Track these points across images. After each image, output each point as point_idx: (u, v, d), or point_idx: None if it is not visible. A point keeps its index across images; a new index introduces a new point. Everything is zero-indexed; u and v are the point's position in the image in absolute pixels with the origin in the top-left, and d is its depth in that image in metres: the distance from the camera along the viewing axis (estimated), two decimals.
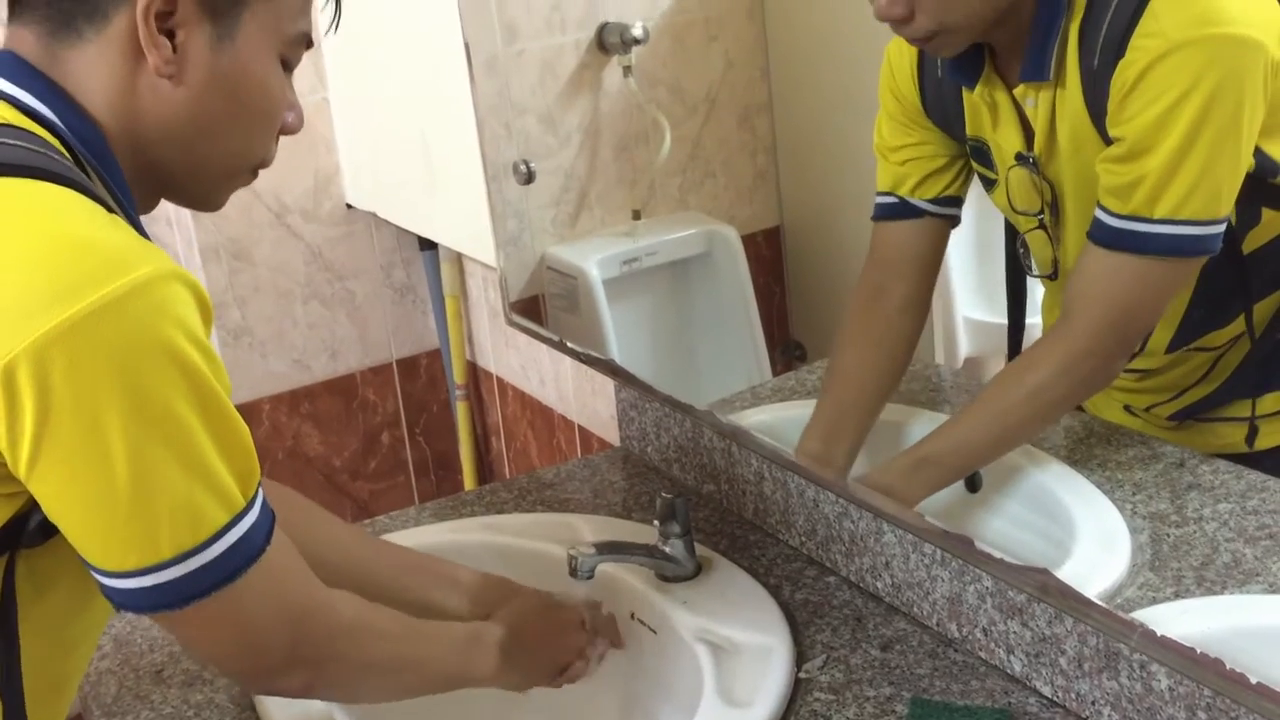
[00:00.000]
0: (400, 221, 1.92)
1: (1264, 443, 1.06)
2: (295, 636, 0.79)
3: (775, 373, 1.49)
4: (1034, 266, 1.11)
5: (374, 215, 1.96)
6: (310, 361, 1.99)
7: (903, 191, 1.13)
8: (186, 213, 1.82)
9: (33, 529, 0.72)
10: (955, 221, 1.14)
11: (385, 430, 2.08)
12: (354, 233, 1.98)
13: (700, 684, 1.02)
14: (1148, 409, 1.13)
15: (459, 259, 1.97)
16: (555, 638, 1.03)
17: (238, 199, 1.77)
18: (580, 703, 1.11)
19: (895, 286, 1.15)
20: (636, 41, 1.42)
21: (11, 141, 0.72)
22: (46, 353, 0.65)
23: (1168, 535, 0.96)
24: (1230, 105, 0.89)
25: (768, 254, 1.51)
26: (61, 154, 0.74)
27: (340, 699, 0.95)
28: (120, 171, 0.78)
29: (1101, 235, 0.96)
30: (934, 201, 1.13)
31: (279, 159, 0.87)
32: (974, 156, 1.10)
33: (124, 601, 0.72)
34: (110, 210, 0.73)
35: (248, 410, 1.95)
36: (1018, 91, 1.01)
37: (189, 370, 0.69)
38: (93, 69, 0.76)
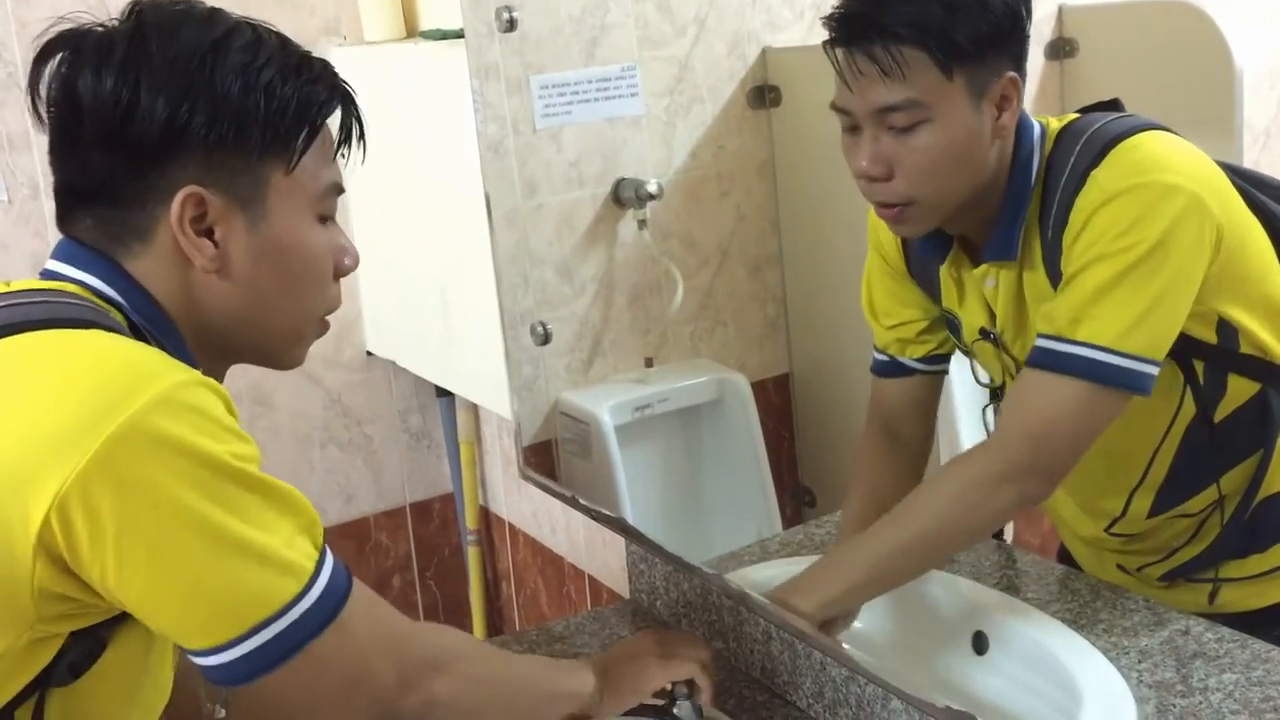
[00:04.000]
0: (418, 370, 1.96)
1: (1242, 605, 1.07)
2: (399, 658, 0.83)
3: (784, 518, 1.49)
4: None
5: (393, 363, 1.99)
6: (325, 505, 2.00)
7: (893, 351, 1.17)
8: None
9: (62, 669, 0.74)
10: (945, 373, 1.17)
11: (396, 574, 2.07)
12: (372, 379, 2.02)
13: None
14: (1139, 569, 1.13)
15: (474, 406, 1.99)
16: (641, 655, 1.05)
17: None
18: None
19: (898, 431, 1.17)
20: (651, 197, 1.48)
21: (53, 299, 0.79)
22: (89, 481, 0.69)
23: (1174, 705, 0.95)
24: (1159, 243, 0.93)
25: (777, 401, 1.53)
26: (114, 315, 0.79)
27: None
28: (182, 339, 0.82)
29: (1030, 357, 0.99)
30: (923, 360, 1.16)
31: None
32: (948, 326, 1.13)
33: (222, 677, 0.75)
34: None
35: None
36: (978, 272, 1.04)
37: (218, 467, 0.73)
38: (148, 274, 0.82)
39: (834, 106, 1.00)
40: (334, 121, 0.87)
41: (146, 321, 0.80)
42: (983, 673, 1.10)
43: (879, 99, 0.96)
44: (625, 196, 1.49)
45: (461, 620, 2.13)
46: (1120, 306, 0.93)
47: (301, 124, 0.83)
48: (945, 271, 1.08)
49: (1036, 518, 1.28)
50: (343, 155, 0.88)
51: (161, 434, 0.71)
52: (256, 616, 0.74)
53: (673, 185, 1.51)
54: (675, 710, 1.09)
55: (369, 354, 2.00)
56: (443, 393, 2.02)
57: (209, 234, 0.81)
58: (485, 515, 2.07)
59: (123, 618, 0.77)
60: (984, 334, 1.06)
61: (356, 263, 0.89)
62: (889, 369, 1.17)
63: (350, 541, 2.03)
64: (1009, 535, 1.32)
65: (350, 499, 2.02)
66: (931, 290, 1.12)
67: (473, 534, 2.06)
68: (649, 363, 1.53)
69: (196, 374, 0.75)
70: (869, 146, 0.98)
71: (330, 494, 2.00)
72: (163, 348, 0.79)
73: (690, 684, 1.08)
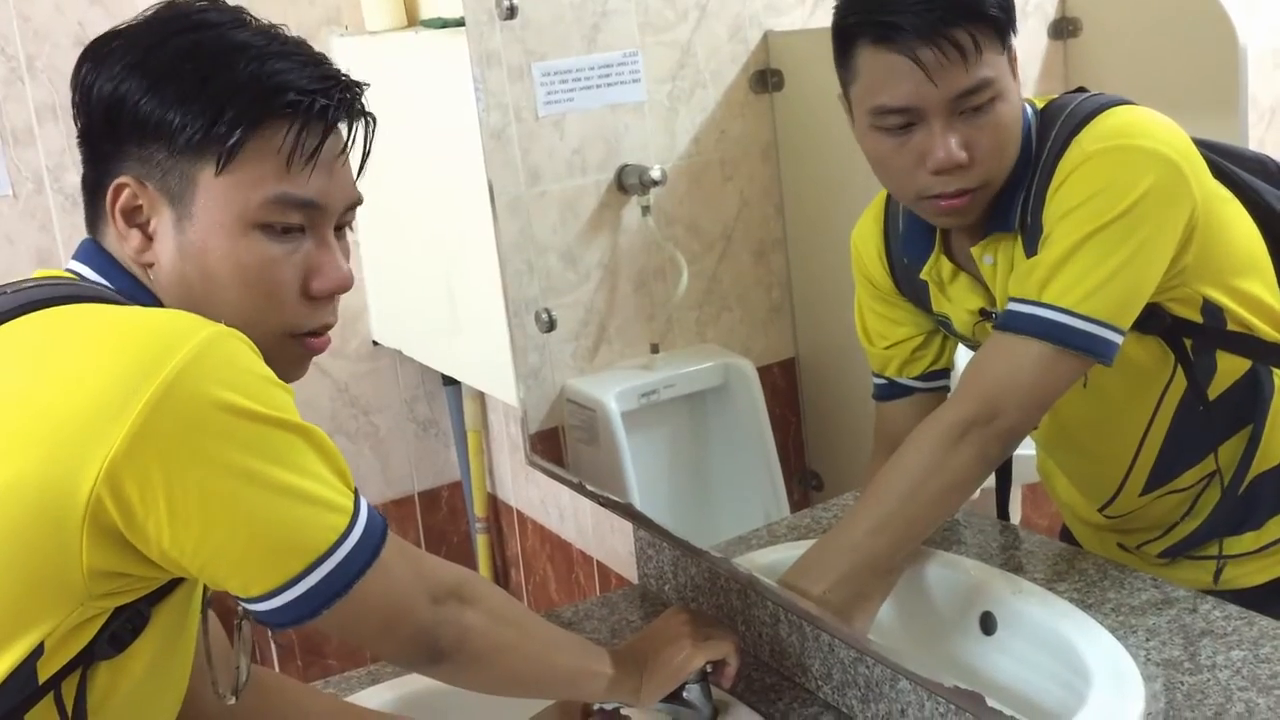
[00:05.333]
0: (423, 359, 1.96)
1: (1244, 581, 1.07)
2: (432, 590, 0.85)
3: (792, 502, 1.49)
4: None
5: (399, 352, 2.00)
6: None
7: (890, 373, 1.17)
8: None
9: (104, 641, 0.76)
10: (947, 389, 1.17)
11: None
12: (379, 369, 2.03)
13: None
14: (1139, 546, 1.13)
15: (481, 394, 2.00)
16: (678, 638, 1.05)
17: None
18: None
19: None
20: (655, 183, 1.47)
21: (58, 283, 0.81)
22: (134, 449, 0.70)
23: (1181, 684, 0.95)
24: (1132, 206, 0.92)
25: (783, 385, 1.53)
26: (110, 294, 0.81)
27: (480, 661, 0.91)
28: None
29: (997, 320, 0.99)
30: (921, 379, 1.16)
31: None
32: (943, 328, 1.13)
33: (278, 620, 0.77)
34: None
35: None
36: (975, 251, 1.04)
37: (256, 418, 0.74)
38: (119, 255, 0.83)
39: (887, 109, 0.96)
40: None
41: (132, 300, 0.81)
42: (991, 653, 1.10)
43: (960, 84, 0.93)
44: (629, 183, 1.49)
45: None
46: (1086, 269, 0.93)
47: (238, 122, 0.78)
48: (925, 274, 1.08)
49: (1044, 500, 1.29)
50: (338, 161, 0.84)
51: (198, 393, 0.72)
52: (311, 555, 0.76)
53: (676, 171, 1.51)
54: (685, 693, 1.10)
55: (375, 344, 2.01)
56: (449, 381, 2.03)
57: (146, 225, 0.81)
58: (493, 503, 2.08)
59: (164, 592, 0.79)
60: (985, 314, 1.06)
61: (337, 285, 0.84)
62: (888, 391, 1.17)
63: None
64: (1016, 517, 1.32)
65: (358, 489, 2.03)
66: (923, 301, 1.12)
67: (481, 522, 2.07)
68: (655, 349, 1.53)
69: (220, 326, 0.75)
70: (950, 135, 0.94)
71: None
72: None
73: (710, 665, 1.09)
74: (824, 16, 0.99)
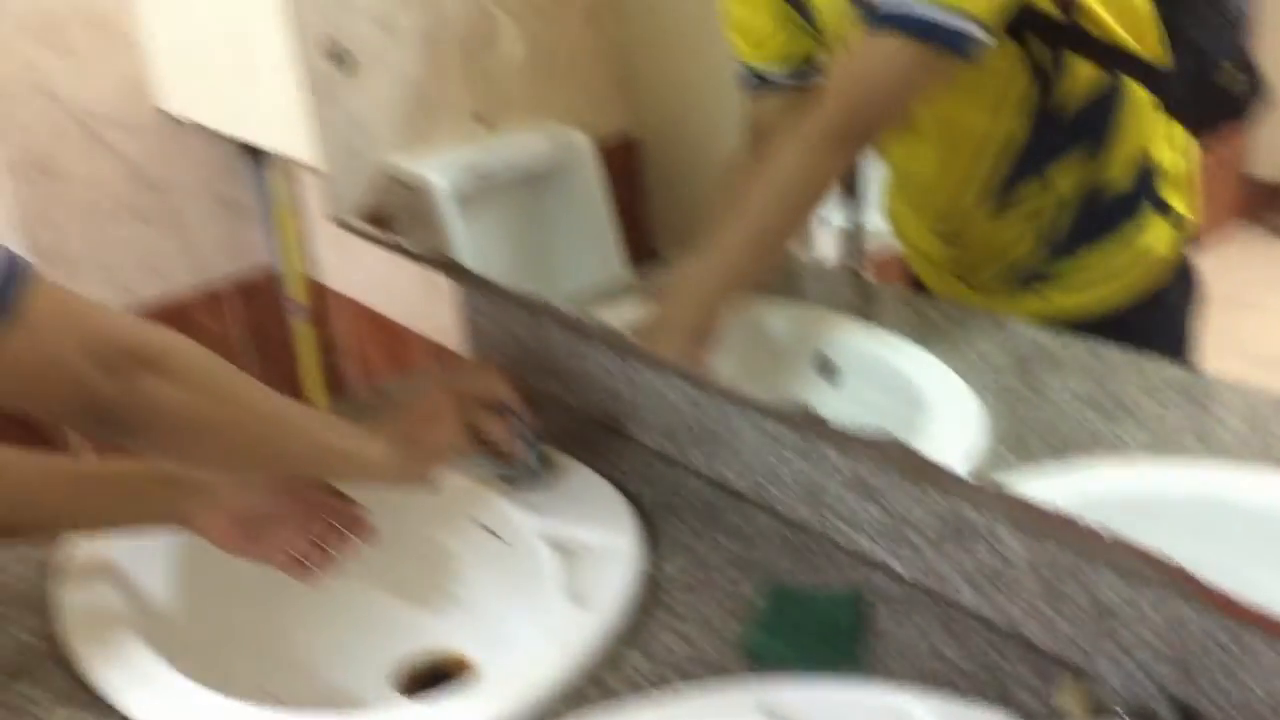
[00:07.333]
0: (217, 124, 1.79)
1: (1082, 310, 1.05)
2: (96, 353, 0.77)
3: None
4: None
5: (193, 123, 1.82)
6: (133, 284, 1.86)
7: (754, 63, 1.11)
8: None
9: None
10: (817, 84, 1.10)
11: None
12: (170, 141, 1.85)
13: (547, 586, 1.01)
14: (974, 275, 1.11)
15: (288, 166, 1.86)
16: (426, 419, 1.01)
17: (37, 109, 1.60)
18: (418, 613, 1.13)
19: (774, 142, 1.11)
20: None
21: None
22: None
23: (1021, 410, 0.97)
24: None
25: (624, 165, 1.47)
26: None
27: (179, 435, 0.83)
28: None
29: (865, 14, 0.95)
30: (790, 75, 1.10)
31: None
32: (804, 18, 1.07)
33: None
34: None
35: None
36: None
37: None
38: None
39: None
40: None
41: None
42: (829, 400, 1.11)
43: None
44: None
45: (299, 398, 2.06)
46: None
47: None
48: None
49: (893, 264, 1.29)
50: None
51: None
52: None
53: None
54: (506, 446, 1.08)
55: (162, 112, 1.82)
56: (252, 153, 1.88)
57: None
58: (315, 288, 1.98)
59: None
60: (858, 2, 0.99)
61: None
62: (754, 83, 1.12)
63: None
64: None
65: (163, 275, 1.89)
66: None
67: (302, 309, 1.98)
68: (481, 119, 1.44)
69: None
70: None
71: (137, 271, 1.86)
72: None
73: (512, 416, 1.06)
74: None
